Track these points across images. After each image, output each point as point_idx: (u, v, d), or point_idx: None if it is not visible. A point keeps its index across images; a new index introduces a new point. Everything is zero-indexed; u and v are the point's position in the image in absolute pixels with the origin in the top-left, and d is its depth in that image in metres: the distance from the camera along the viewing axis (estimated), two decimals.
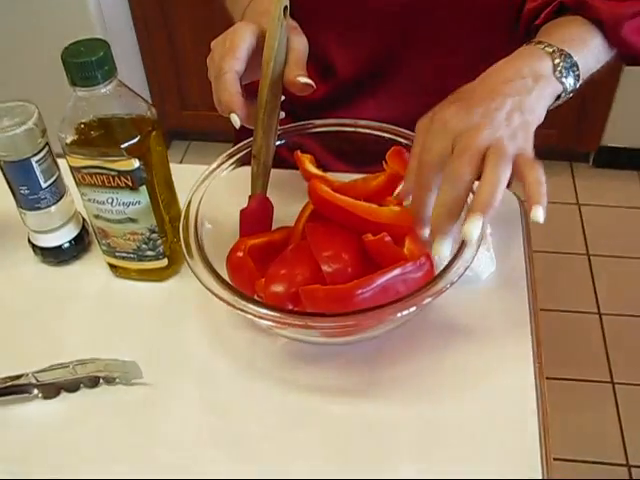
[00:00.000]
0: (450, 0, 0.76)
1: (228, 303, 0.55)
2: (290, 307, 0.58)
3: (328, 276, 0.58)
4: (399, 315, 0.54)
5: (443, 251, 0.54)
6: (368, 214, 0.61)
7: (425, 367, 0.61)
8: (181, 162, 2.35)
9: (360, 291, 0.55)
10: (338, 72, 0.83)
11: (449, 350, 0.62)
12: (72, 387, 0.61)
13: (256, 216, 0.66)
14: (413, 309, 0.54)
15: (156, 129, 0.62)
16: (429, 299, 0.54)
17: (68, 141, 0.60)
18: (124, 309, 0.68)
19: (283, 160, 0.71)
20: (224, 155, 0.70)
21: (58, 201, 0.69)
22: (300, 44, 0.65)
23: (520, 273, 0.69)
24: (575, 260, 1.99)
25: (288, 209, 0.70)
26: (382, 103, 0.84)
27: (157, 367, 0.62)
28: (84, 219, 0.73)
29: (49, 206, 0.68)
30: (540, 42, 0.62)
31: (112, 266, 0.70)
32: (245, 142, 0.69)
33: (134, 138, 0.59)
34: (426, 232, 0.56)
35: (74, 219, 0.71)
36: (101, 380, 0.61)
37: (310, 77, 0.64)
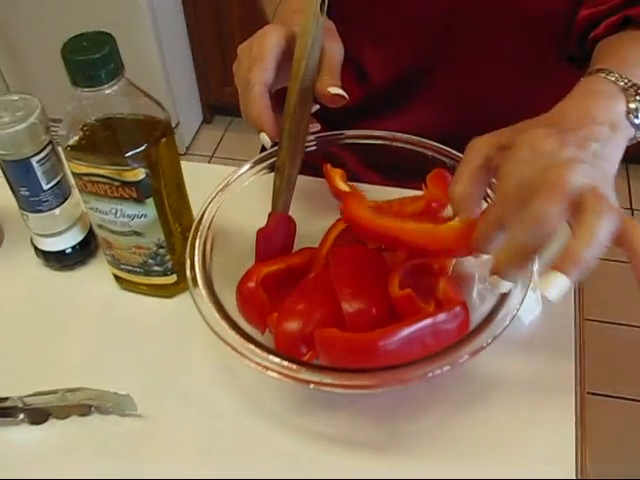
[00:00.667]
0: (495, 8, 0.66)
1: (229, 344, 0.49)
2: (304, 350, 0.51)
3: (348, 317, 0.51)
4: (430, 375, 0.46)
5: (502, 287, 0.45)
6: (421, 239, 0.52)
7: (451, 420, 0.54)
8: (222, 139, 2.28)
9: (383, 342, 0.48)
10: (372, 78, 0.75)
11: (479, 401, 0.55)
12: (61, 414, 0.56)
13: (275, 237, 0.59)
14: (447, 368, 0.46)
15: (168, 134, 0.55)
16: (466, 357, 0.47)
17: (68, 145, 0.53)
18: (126, 326, 0.62)
19: (313, 166, 0.63)
20: (252, 160, 0.63)
21: (62, 204, 0.63)
22: (335, 49, 0.57)
23: (567, 316, 0.61)
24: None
25: (315, 224, 0.63)
26: (418, 114, 0.76)
27: (155, 397, 0.57)
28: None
29: (52, 209, 0.62)
30: (606, 71, 0.52)
31: (117, 277, 0.64)
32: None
33: (141, 146, 0.52)
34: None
35: (80, 222, 0.65)
36: (93, 408, 0.56)
37: (344, 83, 0.56)
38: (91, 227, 0.67)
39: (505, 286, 0.45)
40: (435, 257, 0.54)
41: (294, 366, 0.47)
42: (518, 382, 0.56)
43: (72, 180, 0.62)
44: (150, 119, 0.54)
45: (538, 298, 0.60)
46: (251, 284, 0.53)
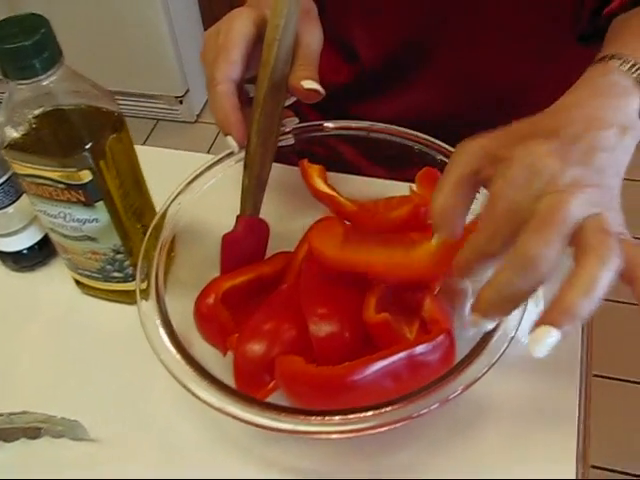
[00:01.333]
0: None
1: (177, 379, 0.43)
2: (267, 379, 0.45)
3: (317, 342, 0.45)
4: (414, 416, 0.40)
5: (483, 326, 0.38)
6: (390, 269, 0.46)
7: (441, 452, 0.48)
8: None
9: (353, 378, 0.41)
10: (362, 57, 0.67)
11: (474, 430, 0.49)
12: (9, 437, 0.51)
13: (243, 244, 0.52)
14: (435, 406, 0.40)
15: (119, 128, 0.49)
16: (457, 391, 0.41)
17: (7, 143, 0.47)
18: (85, 336, 0.57)
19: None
20: (223, 154, 0.56)
21: (14, 201, 0.57)
22: (313, 36, 0.50)
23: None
24: None
25: (292, 222, 0.57)
26: (415, 95, 0.68)
27: (112, 420, 0.52)
28: None
29: (4, 207, 0.56)
30: (619, 57, 0.44)
31: (77, 282, 0.59)
32: None
33: (86, 144, 0.46)
34: None
35: (37, 221, 0.60)
36: (42, 431, 0.51)
37: (332, 62, 0.49)
38: None
39: (487, 325, 0.38)
40: (411, 287, 0.48)
41: (252, 409, 0.41)
42: (519, 406, 0.50)
43: None
44: (97, 112, 0.48)
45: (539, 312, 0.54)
46: (209, 300, 0.47)
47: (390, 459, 0.48)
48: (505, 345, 0.43)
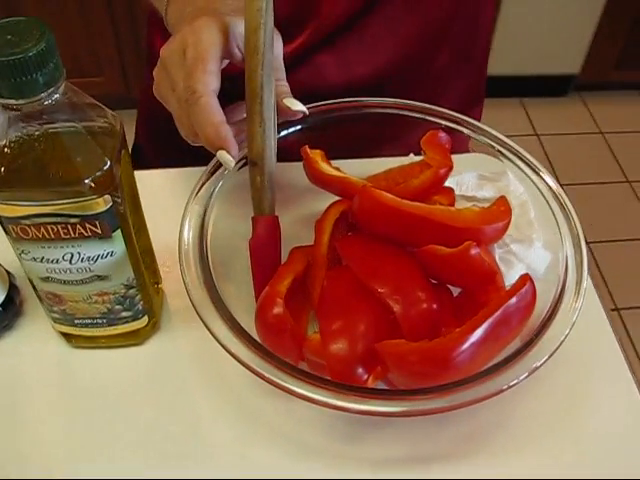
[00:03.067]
0: None
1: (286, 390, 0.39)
2: (362, 373, 0.42)
3: (405, 320, 0.43)
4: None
5: None
6: (450, 220, 0.46)
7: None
8: None
9: (465, 344, 0.40)
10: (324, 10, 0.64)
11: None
12: None
13: (269, 245, 0.49)
14: (543, 361, 0.41)
15: (124, 146, 0.43)
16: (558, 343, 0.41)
17: None
18: (88, 395, 0.49)
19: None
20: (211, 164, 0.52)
21: None
22: (277, 43, 0.49)
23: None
24: None
25: (288, 215, 0.54)
26: (366, 48, 0.67)
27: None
28: (8, 272, 0.52)
29: None
30: None
31: (67, 335, 0.50)
32: None
33: (102, 166, 0.39)
34: None
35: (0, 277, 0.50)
36: None
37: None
38: (10, 279, 0.52)
39: None
40: (460, 240, 0.47)
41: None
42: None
43: None
44: (103, 129, 0.41)
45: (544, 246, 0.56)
46: (277, 310, 0.43)
47: (453, 428, 0.48)
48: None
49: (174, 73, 0.47)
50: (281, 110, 0.48)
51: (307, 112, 0.49)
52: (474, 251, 0.44)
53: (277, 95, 0.48)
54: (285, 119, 0.50)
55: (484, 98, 0.81)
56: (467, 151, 0.60)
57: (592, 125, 2.14)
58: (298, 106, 0.49)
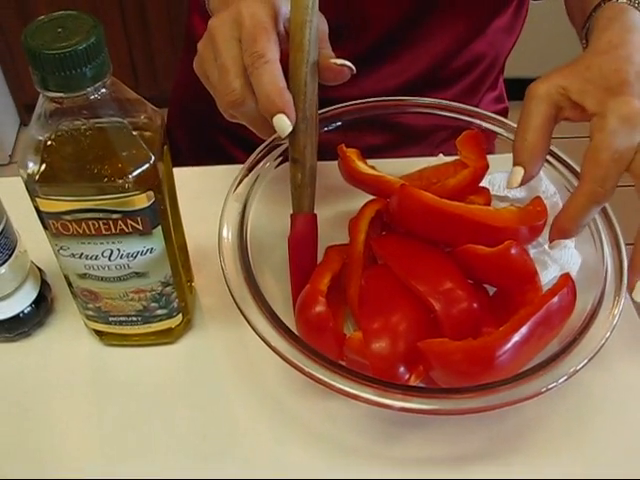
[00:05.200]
0: None
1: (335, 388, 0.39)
2: (404, 372, 0.42)
3: (446, 318, 0.43)
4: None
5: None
6: (489, 219, 0.45)
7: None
8: None
9: (509, 343, 0.40)
10: (377, 24, 0.64)
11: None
12: None
13: (307, 242, 0.48)
14: (582, 364, 0.40)
15: (166, 141, 0.42)
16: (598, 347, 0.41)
17: (36, 174, 0.39)
18: (120, 393, 0.48)
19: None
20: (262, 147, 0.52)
21: (8, 258, 0.47)
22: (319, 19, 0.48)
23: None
24: None
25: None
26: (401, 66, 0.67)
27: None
28: (40, 269, 0.52)
29: None
30: None
31: (99, 332, 0.50)
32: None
33: (147, 161, 0.39)
34: None
35: (31, 275, 0.50)
36: None
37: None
38: (42, 276, 0.51)
39: None
40: (498, 240, 0.47)
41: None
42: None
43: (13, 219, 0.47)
44: (145, 124, 0.41)
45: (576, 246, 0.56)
46: (319, 309, 0.43)
47: (509, 423, 0.47)
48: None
49: (221, 42, 0.45)
50: (327, 69, 0.46)
51: (354, 68, 0.46)
52: (515, 250, 0.44)
53: (326, 57, 0.46)
54: (331, 80, 0.47)
55: (507, 100, 0.81)
56: (492, 150, 0.60)
57: None
58: (342, 61, 0.46)
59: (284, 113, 0.43)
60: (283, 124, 0.44)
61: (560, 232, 0.44)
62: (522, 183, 0.45)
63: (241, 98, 0.45)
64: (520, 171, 0.45)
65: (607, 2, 0.50)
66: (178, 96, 0.82)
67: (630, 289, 0.43)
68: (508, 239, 0.45)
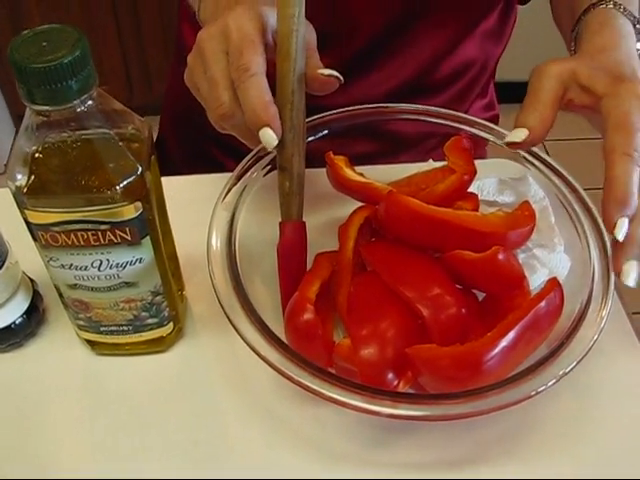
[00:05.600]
0: None
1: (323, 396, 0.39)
2: (393, 379, 0.42)
3: (434, 324, 0.43)
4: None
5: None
6: (477, 225, 0.46)
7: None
8: None
9: (497, 347, 0.40)
10: (364, 31, 0.65)
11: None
12: None
13: (296, 250, 0.49)
14: (571, 367, 0.41)
15: (153, 151, 0.43)
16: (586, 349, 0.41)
17: (24, 186, 0.39)
18: (113, 402, 0.49)
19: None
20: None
21: (0, 268, 0.47)
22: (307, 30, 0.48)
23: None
24: None
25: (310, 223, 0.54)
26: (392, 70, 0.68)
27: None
28: (31, 280, 0.52)
29: None
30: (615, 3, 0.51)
31: (91, 342, 0.50)
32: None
33: (134, 172, 0.40)
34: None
35: (23, 286, 0.50)
36: None
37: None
38: (33, 286, 0.52)
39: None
40: (486, 245, 0.47)
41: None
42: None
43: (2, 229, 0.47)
44: (132, 135, 0.41)
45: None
46: (307, 317, 0.43)
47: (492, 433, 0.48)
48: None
49: (209, 56, 0.46)
50: (313, 80, 0.47)
51: (341, 78, 0.47)
52: (502, 256, 0.44)
53: (312, 67, 0.47)
54: (318, 91, 0.48)
55: (497, 104, 0.81)
56: (484, 156, 0.60)
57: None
58: (329, 71, 0.47)
59: (269, 127, 0.44)
60: (269, 138, 0.44)
61: (618, 202, 0.43)
62: (522, 145, 0.47)
63: (230, 111, 0.45)
64: (525, 131, 0.46)
65: (596, 7, 0.51)
66: (169, 105, 0.83)
67: (617, 273, 0.44)
68: (496, 244, 0.45)
